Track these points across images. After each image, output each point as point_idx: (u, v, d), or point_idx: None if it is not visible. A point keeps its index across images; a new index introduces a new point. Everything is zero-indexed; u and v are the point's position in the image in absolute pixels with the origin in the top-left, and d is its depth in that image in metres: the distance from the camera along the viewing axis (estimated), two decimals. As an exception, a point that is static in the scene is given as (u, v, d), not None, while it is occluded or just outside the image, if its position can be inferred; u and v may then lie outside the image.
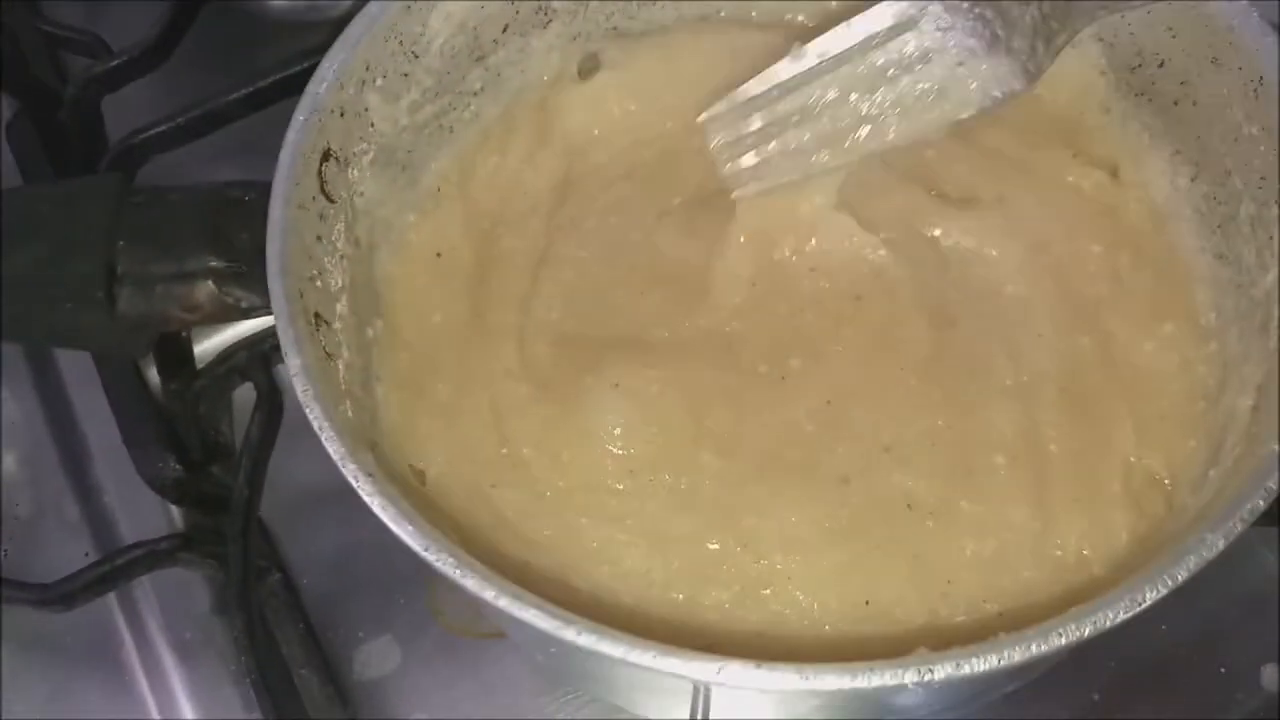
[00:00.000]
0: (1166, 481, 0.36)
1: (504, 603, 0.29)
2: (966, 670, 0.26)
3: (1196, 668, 0.47)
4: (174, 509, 0.53)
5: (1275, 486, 0.28)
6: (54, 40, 0.63)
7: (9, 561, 0.53)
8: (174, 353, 0.53)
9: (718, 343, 0.41)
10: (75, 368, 0.57)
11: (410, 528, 0.31)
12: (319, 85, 0.38)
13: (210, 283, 0.34)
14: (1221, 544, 0.28)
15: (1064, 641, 0.27)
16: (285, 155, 0.36)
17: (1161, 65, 0.41)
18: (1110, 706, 0.46)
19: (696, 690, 0.33)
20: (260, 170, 0.60)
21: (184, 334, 0.53)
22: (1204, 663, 0.47)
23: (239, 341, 0.50)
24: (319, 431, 0.32)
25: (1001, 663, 0.26)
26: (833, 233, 0.42)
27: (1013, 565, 0.36)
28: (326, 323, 0.36)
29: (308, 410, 0.32)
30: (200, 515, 0.52)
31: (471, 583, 0.30)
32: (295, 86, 0.56)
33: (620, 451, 0.38)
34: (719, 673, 0.27)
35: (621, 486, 0.38)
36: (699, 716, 0.35)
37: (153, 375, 0.53)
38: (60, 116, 0.61)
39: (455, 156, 0.46)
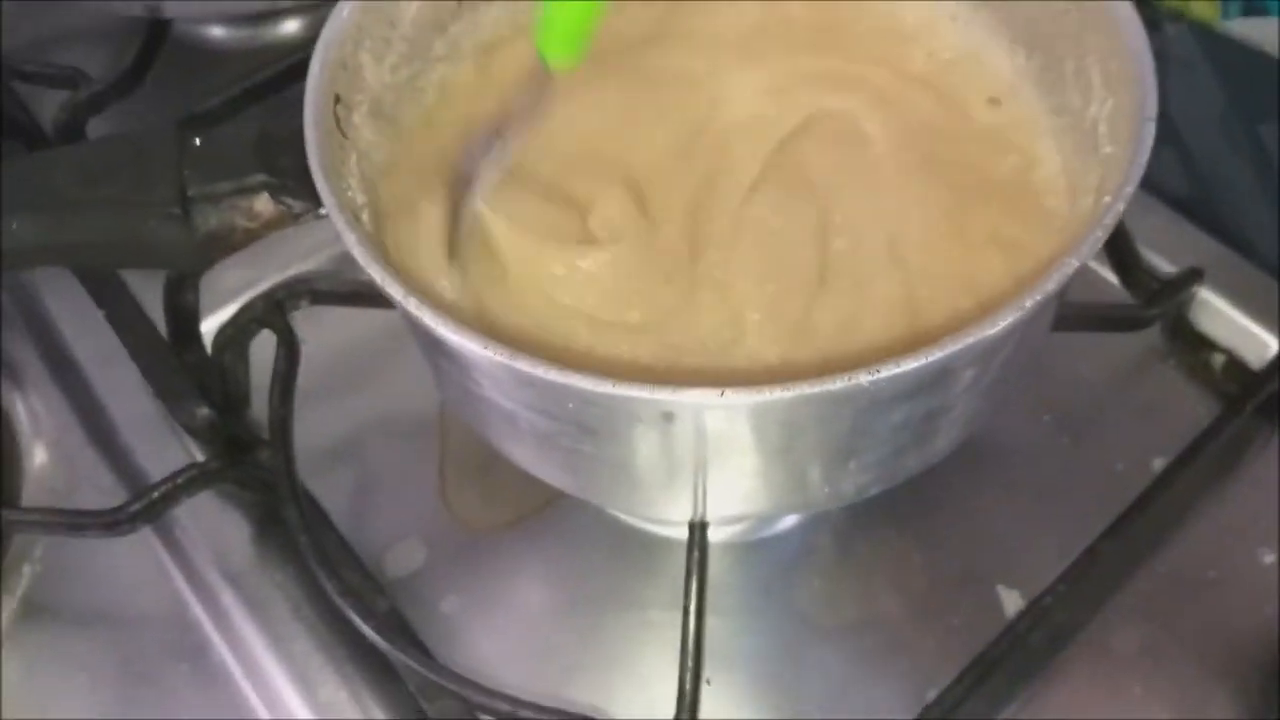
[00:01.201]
0: None
1: (492, 351, 0.36)
2: (905, 367, 0.35)
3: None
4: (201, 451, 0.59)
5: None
6: (36, 77, 0.70)
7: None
8: (185, 323, 0.60)
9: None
10: (95, 356, 0.63)
11: (468, 335, 0.38)
12: (325, 41, 0.46)
13: (266, 194, 0.42)
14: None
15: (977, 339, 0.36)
16: (309, 94, 0.44)
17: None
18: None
19: (698, 466, 0.41)
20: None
21: (193, 306, 0.60)
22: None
23: (256, 297, 0.57)
24: (380, 281, 0.39)
25: (931, 360, 0.35)
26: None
27: None
28: (361, 222, 0.44)
29: (367, 268, 0.39)
30: (235, 455, 0.58)
31: (474, 343, 0.36)
32: (257, 97, 0.66)
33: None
34: (721, 396, 0.35)
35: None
36: (699, 493, 0.43)
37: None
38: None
39: (423, 112, 0.54)
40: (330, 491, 0.59)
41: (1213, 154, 0.70)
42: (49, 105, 0.69)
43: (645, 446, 0.40)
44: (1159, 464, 0.56)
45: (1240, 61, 0.71)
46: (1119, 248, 0.59)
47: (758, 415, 0.38)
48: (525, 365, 0.36)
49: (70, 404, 0.63)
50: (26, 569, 0.57)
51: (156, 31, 0.69)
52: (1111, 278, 0.61)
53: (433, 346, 0.43)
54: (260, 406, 0.57)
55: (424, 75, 0.54)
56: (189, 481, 0.53)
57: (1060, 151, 0.48)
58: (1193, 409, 0.59)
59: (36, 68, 0.70)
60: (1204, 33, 0.71)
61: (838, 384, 0.35)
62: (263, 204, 0.42)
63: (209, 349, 0.59)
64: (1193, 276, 0.59)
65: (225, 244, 0.42)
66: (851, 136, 0.50)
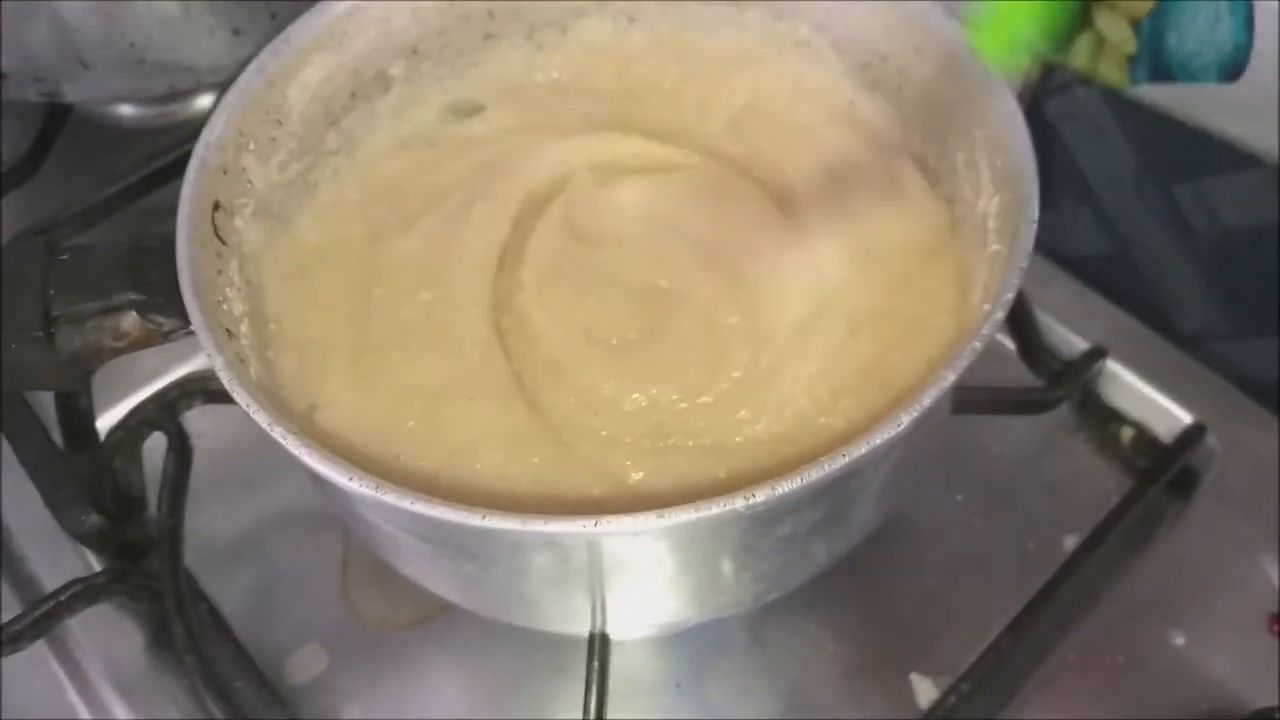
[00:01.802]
0: None
1: (407, 504, 0.35)
2: (781, 490, 0.34)
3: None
4: (93, 556, 0.58)
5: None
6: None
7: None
8: (79, 426, 0.58)
9: None
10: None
11: (331, 465, 0.37)
12: (204, 148, 0.45)
13: (133, 313, 0.41)
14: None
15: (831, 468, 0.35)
16: (183, 204, 0.43)
17: (884, 59, 0.52)
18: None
19: (594, 573, 0.40)
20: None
21: (86, 408, 0.58)
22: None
23: (146, 399, 0.56)
24: (245, 407, 0.38)
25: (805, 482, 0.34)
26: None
27: None
28: (235, 337, 0.43)
29: (234, 393, 0.38)
30: (124, 564, 0.57)
31: (390, 497, 0.36)
32: (161, 180, 0.64)
33: None
34: (596, 526, 0.34)
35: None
36: (595, 607, 0.42)
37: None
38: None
39: (316, 212, 0.53)
40: (230, 593, 0.57)
41: (1126, 217, 0.70)
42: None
43: (529, 570, 0.39)
44: (1070, 542, 0.56)
45: (1151, 124, 0.71)
46: (1022, 331, 0.59)
47: (641, 539, 0.38)
48: (392, 498, 0.35)
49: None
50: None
51: (57, 114, 0.67)
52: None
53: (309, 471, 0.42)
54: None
55: (316, 169, 0.53)
56: (73, 598, 0.51)
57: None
58: (1103, 484, 0.58)
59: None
60: (1114, 97, 0.71)
61: (714, 509, 0.34)
62: (130, 323, 0.41)
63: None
64: (1095, 355, 0.59)
65: (91, 363, 0.41)
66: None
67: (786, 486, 0.34)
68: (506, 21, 0.56)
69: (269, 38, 0.61)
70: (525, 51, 0.57)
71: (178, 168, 0.62)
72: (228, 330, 0.42)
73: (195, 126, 0.71)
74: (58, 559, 0.57)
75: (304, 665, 0.55)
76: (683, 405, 0.43)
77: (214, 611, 0.56)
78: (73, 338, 0.41)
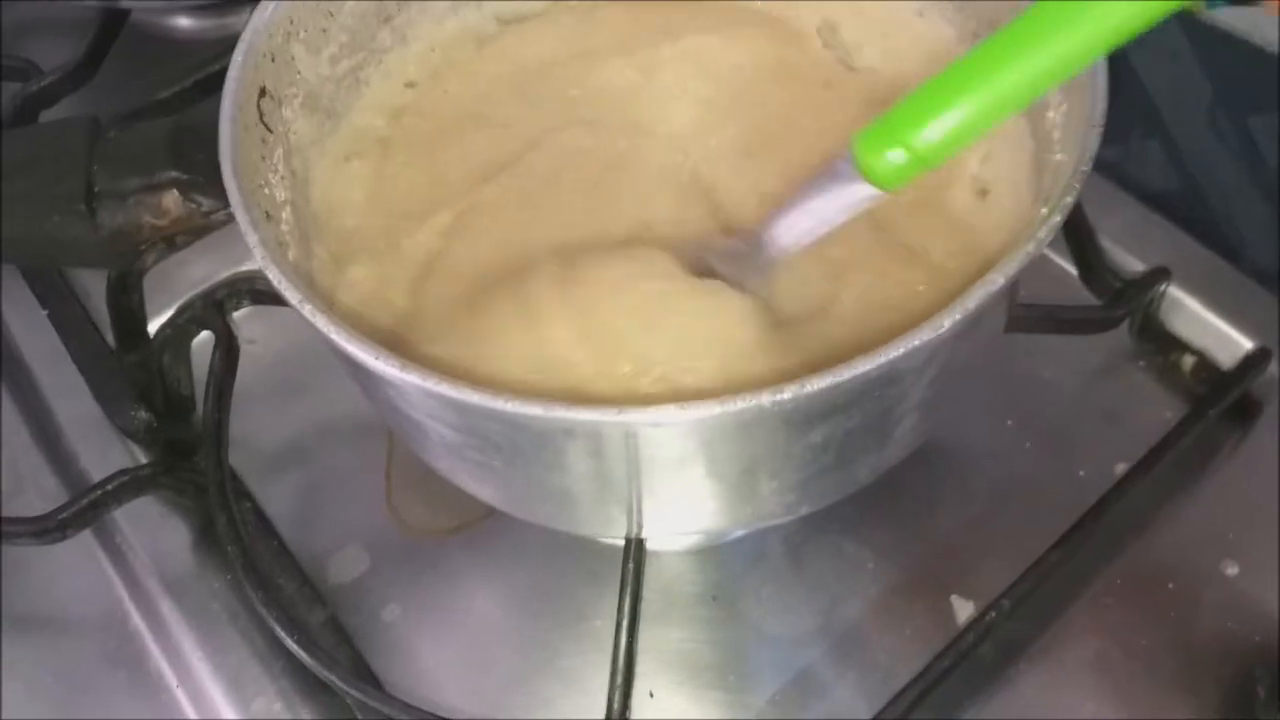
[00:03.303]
0: None
1: (383, 363, 0.35)
2: (810, 389, 0.33)
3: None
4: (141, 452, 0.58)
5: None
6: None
7: (-4, 529, 0.58)
8: (130, 324, 0.59)
9: None
10: (41, 356, 0.62)
11: (358, 342, 0.37)
12: (252, 32, 0.45)
13: (175, 191, 0.41)
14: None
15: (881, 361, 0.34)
16: (229, 86, 0.43)
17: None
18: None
19: (627, 472, 0.39)
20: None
21: (137, 307, 0.59)
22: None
23: (194, 295, 0.56)
24: (277, 283, 0.38)
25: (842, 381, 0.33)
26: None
27: None
28: (275, 220, 0.43)
29: (267, 270, 0.38)
30: (172, 458, 0.57)
31: (364, 352, 0.35)
32: (213, 85, 0.64)
33: None
34: (619, 414, 0.33)
35: None
36: (630, 511, 0.41)
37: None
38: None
39: (372, 106, 0.53)
40: (275, 495, 0.58)
41: (1198, 147, 0.68)
42: (6, 95, 0.68)
43: (560, 466, 0.39)
44: (1123, 469, 0.54)
45: (1228, 51, 0.68)
46: (1081, 247, 0.57)
47: (666, 434, 0.37)
48: (416, 378, 0.34)
49: (16, 402, 0.62)
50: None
51: (113, 21, 0.67)
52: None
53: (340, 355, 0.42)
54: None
55: (367, 67, 0.53)
56: (119, 488, 0.52)
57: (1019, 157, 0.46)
58: (1161, 412, 0.57)
59: (-17, 56, 0.69)
60: (1190, 22, 0.69)
61: (738, 404, 0.33)
62: (171, 201, 0.41)
63: (157, 349, 0.57)
64: (1159, 275, 0.57)
65: (133, 241, 0.41)
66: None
67: (815, 385, 0.33)
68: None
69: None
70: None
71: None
72: (266, 213, 0.42)
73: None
74: (107, 453, 0.58)
75: (345, 566, 0.56)
76: None
77: (258, 511, 0.57)
78: (115, 213, 0.41)
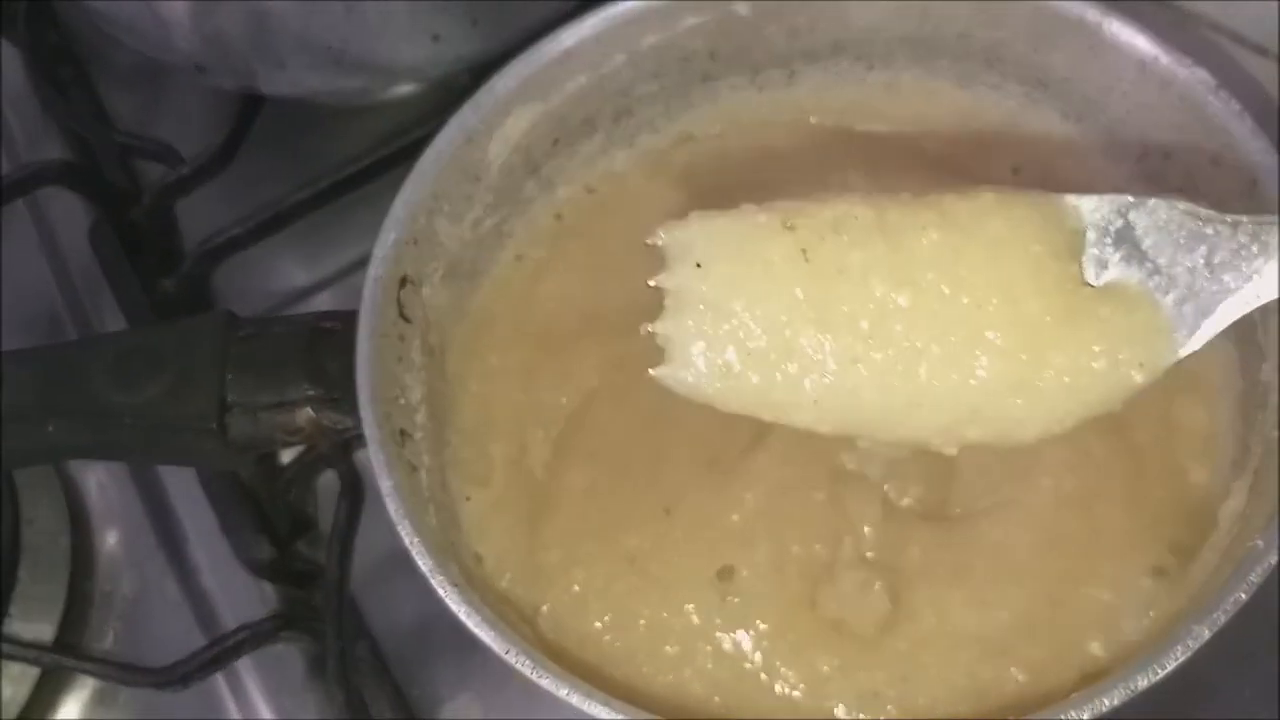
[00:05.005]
0: None
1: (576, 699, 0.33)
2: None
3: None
4: (266, 584, 0.57)
5: (1257, 580, 0.31)
6: (128, 150, 0.68)
7: (120, 637, 0.58)
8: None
9: None
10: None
11: (495, 633, 0.35)
12: (394, 222, 0.43)
13: (309, 409, 0.39)
14: (1207, 634, 0.31)
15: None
16: (368, 291, 0.41)
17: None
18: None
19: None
20: (323, 258, 0.66)
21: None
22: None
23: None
24: (409, 546, 0.36)
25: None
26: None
27: None
28: (410, 436, 0.41)
29: (399, 526, 0.36)
30: (293, 590, 0.56)
31: (548, 682, 0.33)
32: (352, 185, 0.63)
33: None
34: None
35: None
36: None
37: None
38: (134, 217, 0.66)
39: (514, 255, 0.50)
40: (391, 630, 0.56)
41: None
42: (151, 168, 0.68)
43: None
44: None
45: None
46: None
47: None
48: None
49: (142, 500, 0.61)
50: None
51: (250, 108, 0.65)
52: None
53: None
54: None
55: (511, 220, 0.50)
56: (238, 643, 0.51)
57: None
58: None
59: (130, 140, 0.68)
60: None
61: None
62: (304, 419, 0.39)
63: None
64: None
65: (262, 451, 0.39)
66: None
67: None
68: (728, 62, 0.51)
69: (468, 42, 0.59)
70: (747, 94, 0.53)
71: (367, 174, 0.61)
72: (401, 430, 0.40)
73: (391, 112, 0.70)
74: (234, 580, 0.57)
75: (460, 716, 0.54)
76: None
77: (375, 651, 0.55)
78: (245, 429, 0.39)
